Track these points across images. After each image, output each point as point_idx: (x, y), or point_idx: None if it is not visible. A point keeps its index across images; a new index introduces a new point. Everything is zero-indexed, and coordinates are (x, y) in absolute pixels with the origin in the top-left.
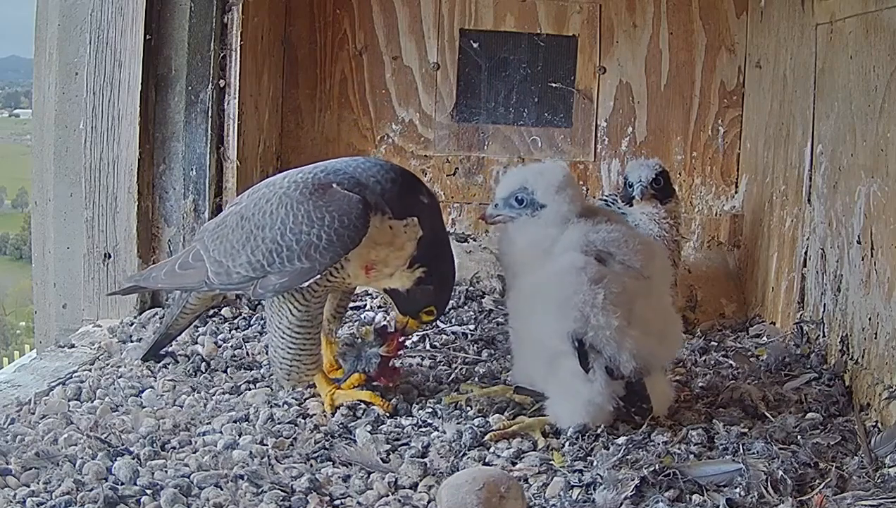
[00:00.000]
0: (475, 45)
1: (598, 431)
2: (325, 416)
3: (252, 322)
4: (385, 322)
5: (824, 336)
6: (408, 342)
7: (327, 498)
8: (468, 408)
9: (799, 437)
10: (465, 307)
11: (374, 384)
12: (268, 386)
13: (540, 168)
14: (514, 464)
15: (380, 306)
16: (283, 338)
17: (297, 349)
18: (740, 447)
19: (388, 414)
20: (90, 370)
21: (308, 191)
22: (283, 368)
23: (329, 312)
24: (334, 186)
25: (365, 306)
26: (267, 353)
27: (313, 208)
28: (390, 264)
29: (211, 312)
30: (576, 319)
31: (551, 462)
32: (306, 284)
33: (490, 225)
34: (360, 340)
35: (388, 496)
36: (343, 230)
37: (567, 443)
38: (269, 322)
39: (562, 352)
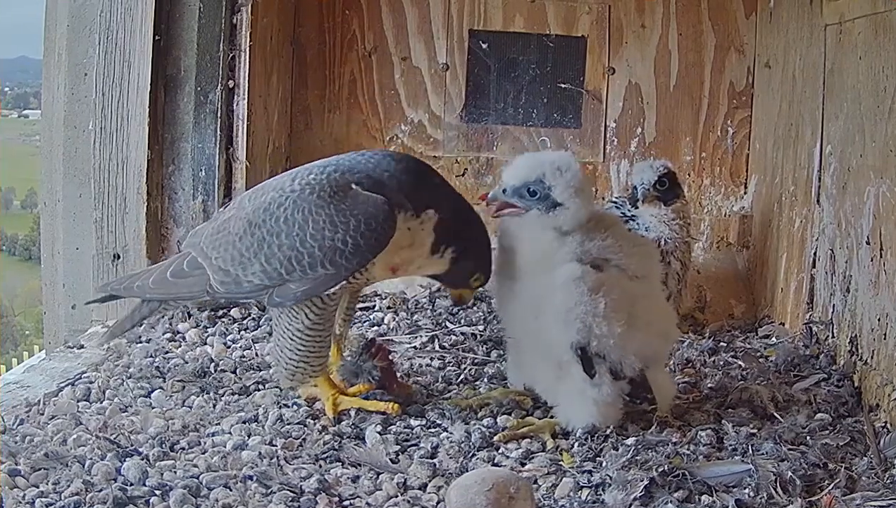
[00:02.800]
0: (484, 46)
1: (608, 432)
2: (330, 420)
3: (261, 323)
4: (370, 336)
5: (833, 337)
6: (417, 342)
7: (336, 499)
8: (477, 409)
9: (808, 438)
10: (474, 308)
11: (394, 395)
12: (277, 387)
13: (557, 161)
14: (523, 465)
15: (388, 307)
16: (292, 340)
17: (306, 351)
18: (749, 447)
19: (397, 415)
20: (99, 371)
21: (327, 194)
22: (287, 369)
23: (339, 316)
24: (354, 186)
25: (374, 306)
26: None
27: (336, 213)
28: (415, 261)
29: (220, 313)
30: (579, 330)
31: (560, 462)
32: (331, 291)
33: (493, 216)
34: (352, 357)
35: (397, 497)
36: (371, 234)
37: (576, 444)
38: (279, 324)
39: (567, 360)
